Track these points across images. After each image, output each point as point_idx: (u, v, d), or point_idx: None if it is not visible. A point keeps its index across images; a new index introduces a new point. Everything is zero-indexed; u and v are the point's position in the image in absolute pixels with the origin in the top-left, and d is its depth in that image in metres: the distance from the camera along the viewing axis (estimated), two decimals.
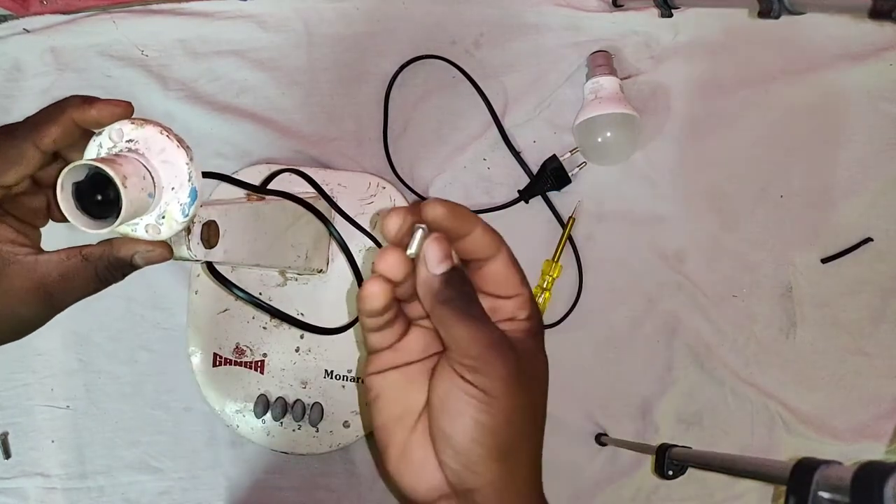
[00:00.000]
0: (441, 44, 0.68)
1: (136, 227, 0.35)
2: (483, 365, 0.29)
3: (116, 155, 0.33)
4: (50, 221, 0.39)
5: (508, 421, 0.30)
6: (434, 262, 0.30)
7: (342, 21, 0.69)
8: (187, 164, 0.34)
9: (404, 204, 0.64)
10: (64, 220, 0.38)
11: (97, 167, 0.31)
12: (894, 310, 0.67)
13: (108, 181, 0.31)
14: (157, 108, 0.69)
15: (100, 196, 0.32)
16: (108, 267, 0.36)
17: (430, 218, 0.30)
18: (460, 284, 0.30)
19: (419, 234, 0.30)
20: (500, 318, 0.32)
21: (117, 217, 0.32)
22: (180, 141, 0.34)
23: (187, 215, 0.35)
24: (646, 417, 0.66)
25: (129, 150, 0.34)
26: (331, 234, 0.56)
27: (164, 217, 0.35)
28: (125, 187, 0.31)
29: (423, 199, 0.68)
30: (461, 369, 0.30)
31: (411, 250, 0.30)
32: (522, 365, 0.30)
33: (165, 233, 0.35)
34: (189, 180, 0.34)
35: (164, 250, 0.36)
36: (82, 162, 0.31)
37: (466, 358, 0.30)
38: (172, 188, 0.34)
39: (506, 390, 0.29)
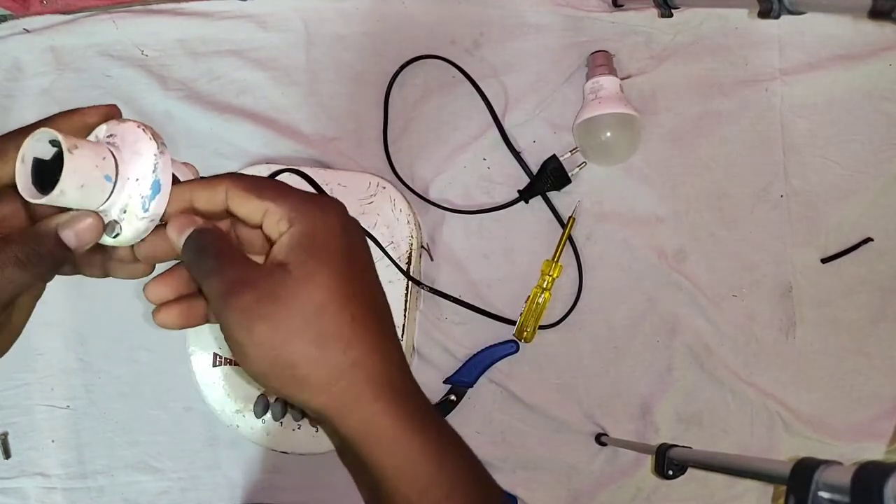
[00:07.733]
0: (441, 44, 0.68)
1: None
2: (222, 310, 0.31)
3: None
4: None
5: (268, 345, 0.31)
6: (173, 237, 0.33)
7: (342, 21, 0.69)
8: (155, 155, 0.33)
9: (405, 204, 0.64)
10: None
11: (49, 132, 0.31)
12: (894, 310, 0.67)
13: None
14: (156, 108, 0.69)
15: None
16: (31, 248, 0.32)
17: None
18: (193, 247, 0.33)
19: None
20: (273, 240, 0.33)
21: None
22: (155, 135, 0.34)
23: (147, 209, 0.33)
24: (646, 417, 0.66)
25: (106, 142, 0.34)
26: None
27: (125, 211, 0.33)
28: (70, 153, 0.30)
29: (423, 198, 0.68)
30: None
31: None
32: (274, 290, 0.31)
33: (126, 229, 0.33)
34: (153, 171, 0.33)
35: (95, 220, 0.33)
36: (42, 130, 0.31)
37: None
38: (137, 179, 0.33)
39: (258, 316, 0.31)
